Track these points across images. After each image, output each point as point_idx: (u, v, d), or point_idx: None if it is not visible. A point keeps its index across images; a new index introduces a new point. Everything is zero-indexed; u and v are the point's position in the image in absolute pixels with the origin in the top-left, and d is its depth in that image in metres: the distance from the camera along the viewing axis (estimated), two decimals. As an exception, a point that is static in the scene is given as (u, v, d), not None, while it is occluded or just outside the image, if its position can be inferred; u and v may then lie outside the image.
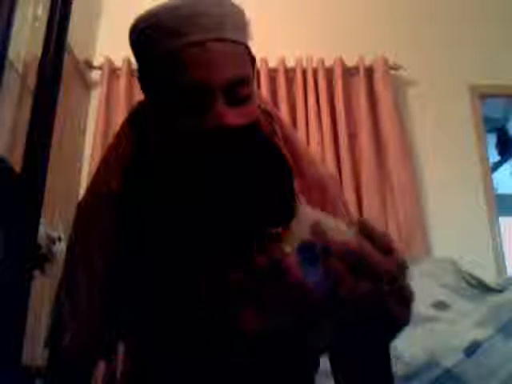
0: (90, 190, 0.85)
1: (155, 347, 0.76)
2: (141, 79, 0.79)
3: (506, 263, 2.69)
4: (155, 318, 0.75)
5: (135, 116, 0.85)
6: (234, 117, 0.70)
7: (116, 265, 0.77)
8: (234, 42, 0.72)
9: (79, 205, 0.85)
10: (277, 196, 0.76)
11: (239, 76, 0.71)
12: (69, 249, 0.84)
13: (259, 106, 0.83)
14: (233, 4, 0.75)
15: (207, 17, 0.70)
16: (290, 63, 2.86)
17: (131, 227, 0.77)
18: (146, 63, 0.76)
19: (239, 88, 0.72)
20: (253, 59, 0.78)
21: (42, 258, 1.61)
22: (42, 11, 1.79)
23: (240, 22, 0.75)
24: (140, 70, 0.78)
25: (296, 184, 0.80)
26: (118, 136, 0.85)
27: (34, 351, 1.78)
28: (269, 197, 0.76)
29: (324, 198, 0.82)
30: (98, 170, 0.85)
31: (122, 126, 0.85)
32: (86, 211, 0.83)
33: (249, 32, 0.78)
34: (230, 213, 0.72)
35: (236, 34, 0.73)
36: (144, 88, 0.79)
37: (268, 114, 0.84)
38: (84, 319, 0.77)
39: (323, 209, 0.81)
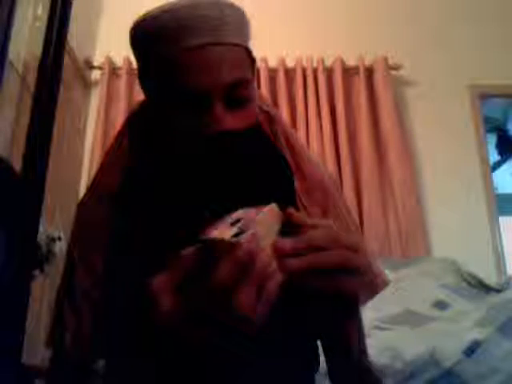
0: (90, 189, 0.85)
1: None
2: (141, 79, 0.79)
3: (506, 263, 2.69)
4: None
5: (135, 116, 0.86)
6: (232, 121, 0.71)
7: (112, 263, 0.77)
8: (233, 44, 0.72)
9: (80, 204, 0.86)
10: (277, 198, 0.77)
11: (238, 79, 0.72)
12: (69, 248, 0.84)
13: (260, 107, 0.83)
14: (232, 5, 0.75)
15: (206, 20, 0.71)
16: (290, 63, 2.86)
17: (127, 226, 0.77)
18: (146, 65, 0.76)
19: (238, 90, 0.72)
20: (253, 61, 0.79)
21: (42, 258, 1.61)
22: (42, 11, 1.80)
23: (240, 23, 0.75)
24: (140, 70, 0.78)
25: (298, 185, 0.80)
26: (118, 136, 0.85)
27: (34, 351, 1.78)
28: (268, 199, 0.76)
29: (326, 198, 0.82)
30: (98, 169, 0.85)
31: (123, 126, 0.86)
32: (86, 211, 0.84)
33: (249, 32, 0.78)
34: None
35: (235, 36, 0.73)
36: (144, 88, 0.79)
37: (269, 115, 0.84)
38: (84, 319, 0.77)
39: (326, 209, 0.81)
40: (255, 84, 0.80)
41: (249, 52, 0.77)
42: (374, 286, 0.72)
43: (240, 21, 0.75)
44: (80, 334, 0.77)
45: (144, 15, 0.74)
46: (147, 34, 0.73)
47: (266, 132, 0.82)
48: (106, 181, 0.81)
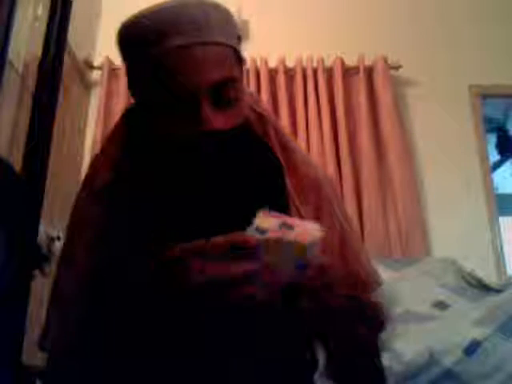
0: (81, 187, 0.85)
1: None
2: (129, 80, 0.79)
3: (506, 263, 2.69)
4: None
5: (129, 115, 0.86)
6: (221, 120, 0.71)
7: (103, 261, 0.76)
8: (218, 44, 0.73)
9: (75, 199, 0.86)
10: (266, 194, 0.77)
11: (224, 78, 0.72)
12: (64, 243, 0.84)
13: (251, 107, 0.83)
14: (218, 6, 0.75)
15: (192, 20, 0.71)
16: (290, 63, 2.86)
17: (115, 224, 0.77)
18: (133, 66, 0.77)
19: (226, 90, 0.72)
20: (241, 60, 0.79)
21: (41, 258, 1.61)
22: (42, 11, 1.79)
23: (224, 22, 0.75)
24: (127, 71, 0.79)
25: (290, 183, 0.80)
26: (111, 135, 0.86)
27: (34, 351, 1.77)
28: (258, 195, 0.76)
29: (318, 196, 0.82)
30: (90, 167, 0.86)
31: (116, 125, 0.86)
32: (76, 209, 0.84)
33: (236, 33, 0.78)
34: (218, 211, 0.72)
35: (219, 35, 0.73)
36: (132, 89, 0.80)
37: (260, 115, 0.84)
38: (67, 318, 0.76)
39: (318, 207, 0.81)
40: (244, 83, 0.80)
41: (236, 51, 0.77)
42: (366, 285, 0.73)
43: (224, 20, 0.75)
44: (62, 332, 0.76)
45: (130, 17, 0.74)
46: (136, 35, 0.73)
47: (257, 131, 0.83)
48: (95, 178, 0.82)
